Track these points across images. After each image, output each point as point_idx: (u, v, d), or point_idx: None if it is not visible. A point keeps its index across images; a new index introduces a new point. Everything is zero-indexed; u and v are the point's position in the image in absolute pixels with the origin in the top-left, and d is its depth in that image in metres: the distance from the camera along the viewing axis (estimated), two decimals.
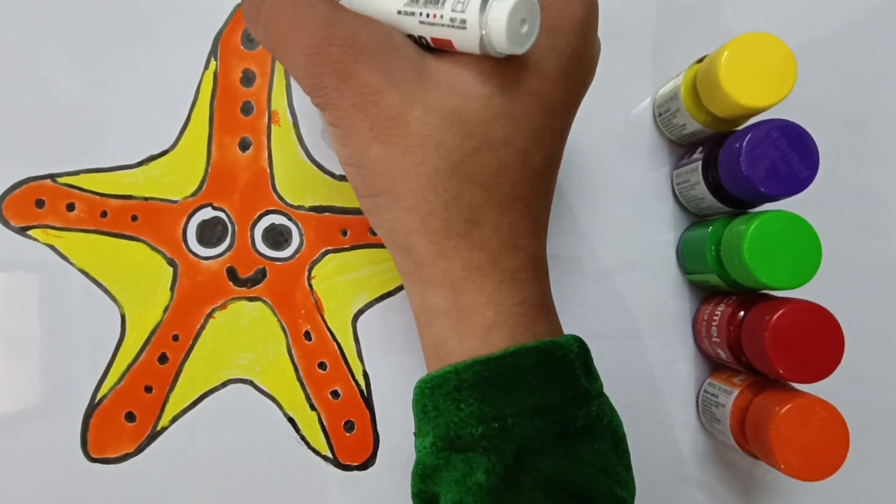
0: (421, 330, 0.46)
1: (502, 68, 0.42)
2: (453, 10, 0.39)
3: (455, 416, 0.42)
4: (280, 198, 0.60)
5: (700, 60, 0.56)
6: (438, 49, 0.43)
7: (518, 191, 0.44)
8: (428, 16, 0.41)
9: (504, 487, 0.41)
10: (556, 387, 0.43)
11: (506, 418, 0.42)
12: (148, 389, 0.60)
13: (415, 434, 0.46)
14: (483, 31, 0.38)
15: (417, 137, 0.41)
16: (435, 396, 0.43)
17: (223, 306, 0.60)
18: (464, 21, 0.39)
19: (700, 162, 0.56)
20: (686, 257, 0.61)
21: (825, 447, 0.51)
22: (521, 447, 0.41)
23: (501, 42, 0.38)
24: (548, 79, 0.43)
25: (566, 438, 0.42)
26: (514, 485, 0.41)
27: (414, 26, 0.42)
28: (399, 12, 0.42)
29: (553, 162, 0.46)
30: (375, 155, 0.42)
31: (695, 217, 0.63)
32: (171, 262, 0.60)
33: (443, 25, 0.40)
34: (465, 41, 0.40)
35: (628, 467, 0.46)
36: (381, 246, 0.61)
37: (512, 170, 0.43)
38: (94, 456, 0.60)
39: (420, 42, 0.43)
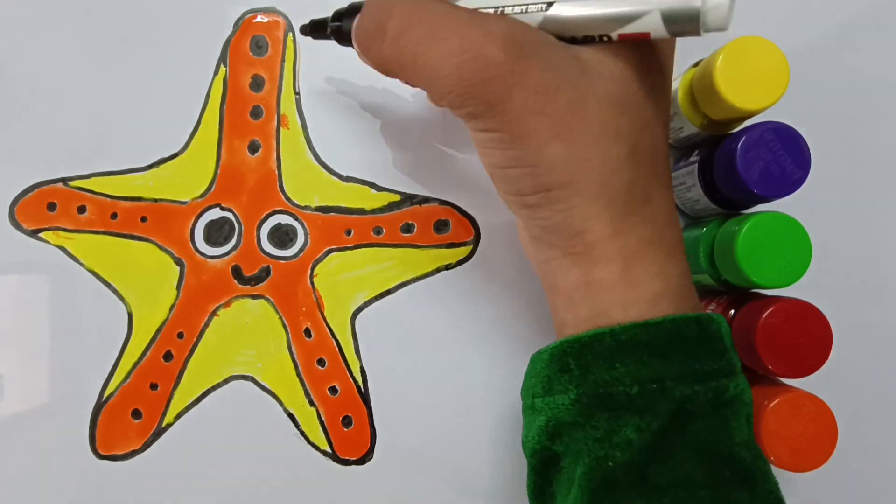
0: (572, 304, 0.45)
1: (639, 52, 0.43)
2: None
3: (607, 375, 0.42)
4: (287, 198, 0.61)
5: (696, 64, 0.57)
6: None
7: (666, 165, 0.45)
8: None
9: (657, 445, 0.41)
10: (713, 356, 0.43)
11: (664, 380, 0.42)
12: (153, 387, 0.60)
13: (533, 394, 0.46)
14: (704, 9, 0.39)
15: (598, 127, 0.42)
16: (583, 355, 0.43)
17: (227, 304, 0.61)
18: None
19: (696, 164, 0.57)
20: None
21: (814, 439, 0.51)
22: (676, 408, 0.42)
23: (720, 19, 0.39)
24: (665, 53, 0.45)
25: (718, 407, 0.42)
26: (666, 444, 0.42)
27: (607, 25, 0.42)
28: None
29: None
30: (555, 153, 0.42)
31: (689, 219, 0.63)
32: (178, 262, 0.61)
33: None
34: (674, 29, 0.40)
35: (755, 441, 0.45)
36: (384, 245, 0.62)
37: (662, 146, 0.45)
38: (102, 453, 0.60)
39: (602, 41, 0.43)
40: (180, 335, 0.61)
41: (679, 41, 0.63)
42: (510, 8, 0.43)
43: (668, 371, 0.42)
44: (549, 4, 0.42)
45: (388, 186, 0.62)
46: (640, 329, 0.42)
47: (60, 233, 0.60)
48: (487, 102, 0.41)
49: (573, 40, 0.43)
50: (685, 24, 0.39)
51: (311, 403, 0.61)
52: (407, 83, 0.45)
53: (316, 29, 0.53)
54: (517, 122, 0.41)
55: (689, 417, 0.42)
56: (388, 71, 0.45)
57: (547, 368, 0.45)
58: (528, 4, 0.43)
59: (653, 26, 0.40)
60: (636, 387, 0.42)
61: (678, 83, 0.58)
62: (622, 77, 0.42)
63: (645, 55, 0.43)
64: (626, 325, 0.42)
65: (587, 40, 0.43)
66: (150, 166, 0.61)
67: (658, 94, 0.44)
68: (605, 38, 0.42)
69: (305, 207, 0.61)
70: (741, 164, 0.51)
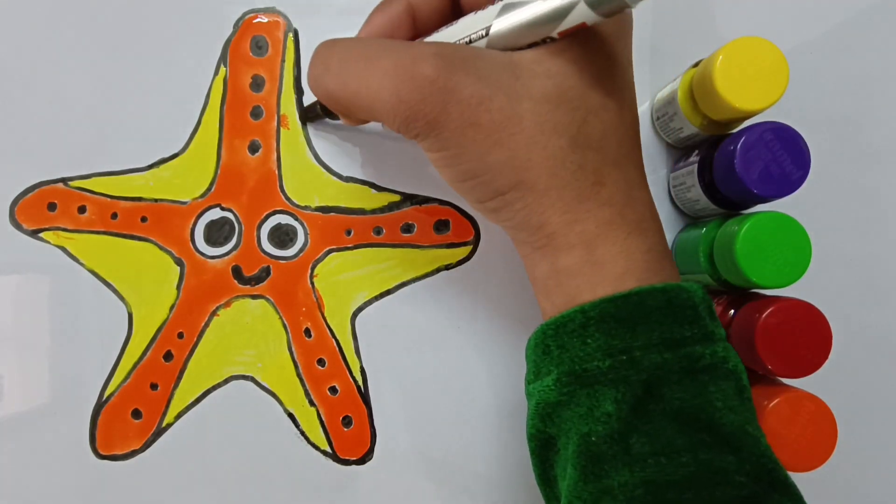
0: (548, 293, 0.48)
1: (577, 43, 0.45)
2: None
3: (581, 351, 0.44)
4: (287, 198, 0.61)
5: (696, 65, 0.57)
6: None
7: (623, 147, 0.47)
8: None
9: (633, 416, 0.42)
10: (682, 324, 0.44)
11: (633, 351, 0.43)
12: (154, 387, 0.60)
13: (527, 381, 0.48)
14: None
15: (535, 126, 0.44)
16: (559, 335, 0.45)
17: (227, 304, 0.61)
18: None
19: (696, 164, 0.57)
20: (679, 258, 0.61)
21: (813, 439, 0.51)
22: (649, 377, 0.43)
23: None
24: (611, 40, 0.46)
25: (694, 374, 0.43)
26: (643, 413, 0.43)
27: (544, 29, 0.44)
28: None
29: (636, 115, 0.49)
30: (497, 159, 0.44)
31: (689, 219, 0.63)
32: (178, 262, 0.61)
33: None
34: (602, 11, 0.41)
35: (755, 416, 0.46)
36: (384, 245, 0.62)
37: (613, 129, 0.46)
38: (102, 453, 0.60)
39: (543, 43, 0.45)
40: (180, 335, 0.61)
41: (678, 42, 0.63)
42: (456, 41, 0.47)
43: (635, 341, 0.43)
44: (488, 28, 0.45)
45: (388, 186, 0.62)
46: (608, 303, 0.44)
47: (61, 233, 0.60)
48: (428, 122, 0.44)
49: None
50: (611, 3, 0.40)
51: (311, 403, 0.61)
52: (361, 119, 0.51)
53: (308, 111, 0.62)
54: (456, 137, 0.44)
55: (664, 385, 0.43)
56: (341, 107, 0.49)
57: (533, 354, 0.47)
58: (469, 35, 0.46)
59: (585, 16, 0.41)
60: (608, 360, 0.43)
61: (678, 83, 0.58)
62: (559, 72, 0.44)
63: (587, 45, 0.45)
64: (595, 302, 0.44)
65: (533, 47, 0.45)
66: (150, 166, 0.61)
67: (606, 80, 0.45)
68: (549, 40, 0.44)
69: (305, 207, 0.61)
70: (741, 165, 0.51)
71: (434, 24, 0.50)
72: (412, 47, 0.44)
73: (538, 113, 0.44)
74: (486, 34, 0.45)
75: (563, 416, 0.45)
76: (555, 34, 0.43)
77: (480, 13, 0.46)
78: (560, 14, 0.42)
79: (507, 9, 0.44)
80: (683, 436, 0.42)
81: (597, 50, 0.45)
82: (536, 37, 0.44)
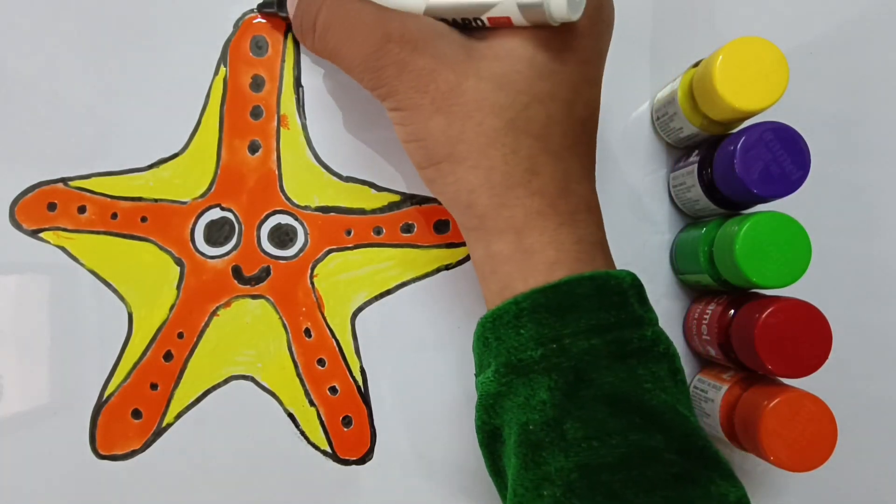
0: (485, 279, 0.50)
1: (539, 31, 0.47)
2: None
3: (515, 342, 0.46)
4: (287, 198, 0.61)
5: (696, 65, 0.57)
6: (481, 31, 0.49)
7: (567, 139, 0.48)
8: None
9: (567, 402, 0.44)
10: (610, 310, 0.46)
11: (562, 339, 0.45)
12: (153, 387, 0.60)
13: (475, 375, 0.51)
14: (545, 3, 0.44)
15: (474, 103, 0.47)
16: (496, 327, 0.47)
17: (227, 304, 0.61)
18: None
19: (696, 164, 0.57)
20: (679, 258, 0.61)
21: (813, 439, 0.51)
22: (578, 363, 0.44)
23: (562, 11, 0.43)
24: (578, 33, 0.48)
25: (623, 358, 0.45)
26: (575, 399, 0.44)
27: (473, 10, 0.47)
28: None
29: (593, 111, 0.51)
30: (436, 125, 0.47)
31: (689, 219, 0.63)
32: (178, 262, 0.61)
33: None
34: (527, 15, 0.45)
35: (689, 398, 0.48)
36: (384, 245, 0.62)
37: (560, 120, 0.48)
38: (102, 453, 0.60)
39: (476, 24, 0.48)
40: (180, 335, 0.61)
41: (678, 42, 0.63)
42: None
43: (565, 329, 0.45)
44: None
45: (388, 186, 0.62)
46: (539, 294, 0.46)
47: (61, 233, 0.60)
48: (387, 85, 0.48)
49: (454, 23, 0.49)
50: (535, 13, 0.45)
51: (311, 403, 0.61)
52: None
53: (265, 6, 0.61)
54: (407, 99, 0.48)
55: (594, 370, 0.44)
56: (320, 56, 0.54)
57: (476, 347, 0.50)
58: None
59: (511, 12, 0.46)
60: (540, 349, 0.45)
61: (678, 83, 0.58)
62: (509, 57, 0.47)
63: (549, 36, 0.47)
64: (528, 293, 0.46)
65: (465, 22, 0.49)
66: (150, 166, 0.61)
67: (562, 73, 0.48)
68: (479, 22, 0.48)
69: (305, 207, 0.61)
70: (740, 165, 0.51)
71: None
72: (384, 24, 0.48)
73: (479, 90, 0.46)
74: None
75: (505, 406, 0.46)
76: (484, 18, 0.47)
77: None
78: (490, 4, 0.46)
79: None
80: (614, 418, 0.44)
81: (560, 42, 0.47)
82: (467, 15, 0.48)
